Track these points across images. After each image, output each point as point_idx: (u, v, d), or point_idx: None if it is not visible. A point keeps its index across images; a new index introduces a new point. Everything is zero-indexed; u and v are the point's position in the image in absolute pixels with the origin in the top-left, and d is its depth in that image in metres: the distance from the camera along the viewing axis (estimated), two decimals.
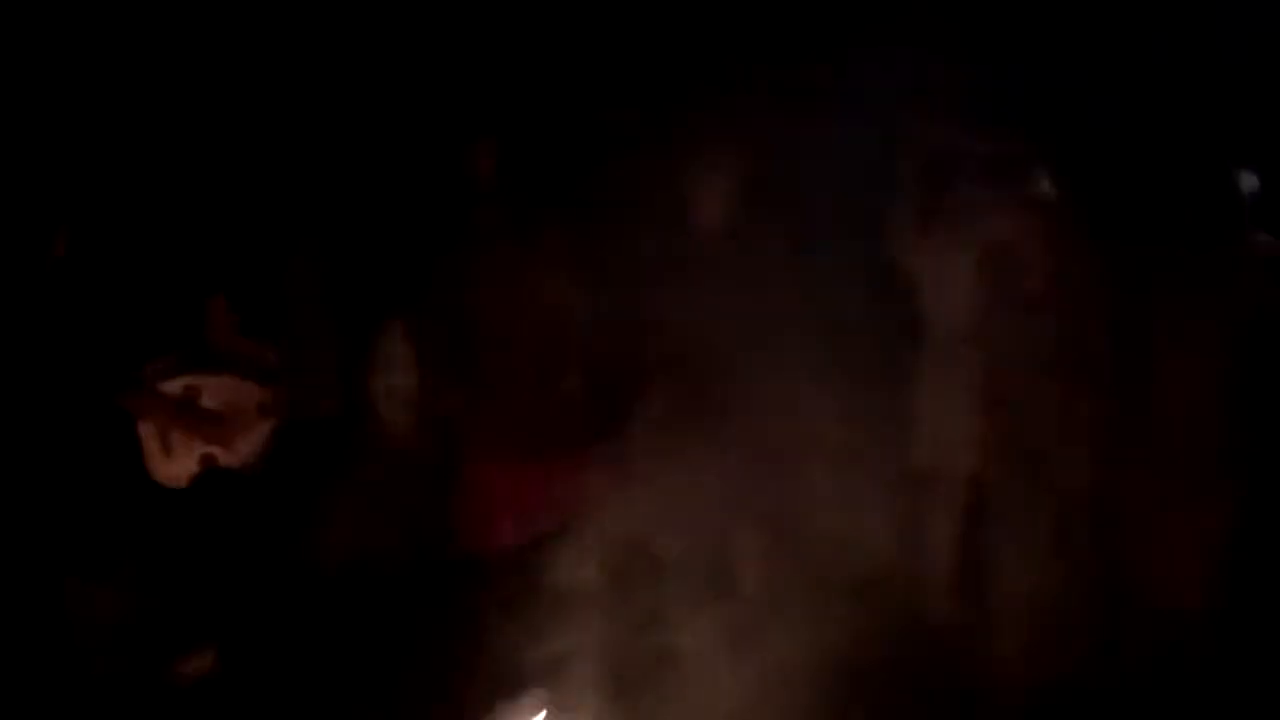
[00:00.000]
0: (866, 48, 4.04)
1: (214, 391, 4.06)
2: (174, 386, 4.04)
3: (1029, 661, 3.83)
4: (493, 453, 4.11)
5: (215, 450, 4.05)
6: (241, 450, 4.08)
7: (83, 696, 3.77)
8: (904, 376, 4.14)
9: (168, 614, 3.97)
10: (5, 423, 3.94)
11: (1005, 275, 3.94)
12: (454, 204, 4.16)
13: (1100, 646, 3.79)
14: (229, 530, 4.00)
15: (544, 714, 3.06)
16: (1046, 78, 4.01)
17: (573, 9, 4.56)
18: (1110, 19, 4.20)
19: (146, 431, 4.03)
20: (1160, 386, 3.71)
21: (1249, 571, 3.67)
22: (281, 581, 4.03)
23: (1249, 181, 3.72)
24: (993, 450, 3.98)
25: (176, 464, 4.05)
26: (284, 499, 4.05)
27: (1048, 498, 3.89)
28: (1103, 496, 3.85)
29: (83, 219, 4.09)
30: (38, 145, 4.18)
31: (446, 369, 4.13)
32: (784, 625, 3.71)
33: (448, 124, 4.28)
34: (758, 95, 4.23)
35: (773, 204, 4.06)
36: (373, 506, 4.19)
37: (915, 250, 4.08)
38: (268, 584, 4.02)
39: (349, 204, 4.24)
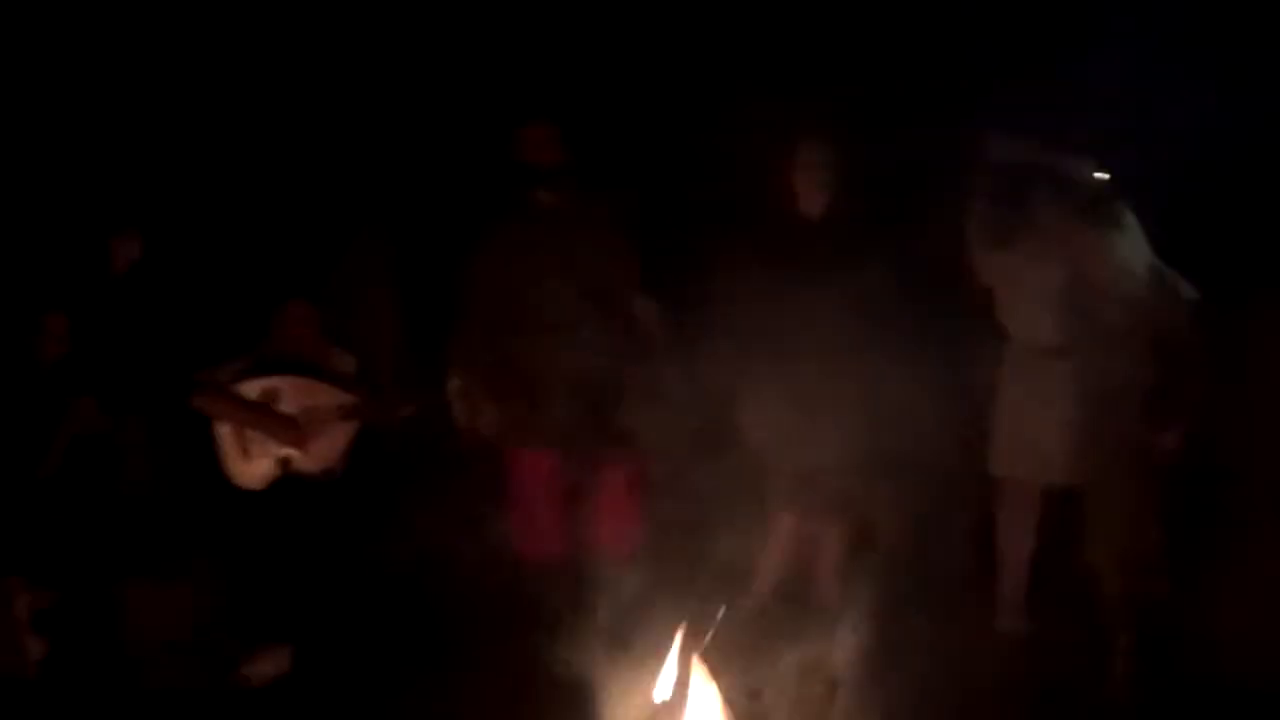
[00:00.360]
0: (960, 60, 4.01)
1: (294, 394, 4.08)
2: (253, 388, 4.06)
3: (1099, 675, 3.78)
4: (549, 455, 4.06)
5: (292, 453, 4.08)
6: (320, 454, 4.10)
7: (151, 698, 3.80)
8: (983, 384, 4.13)
9: (240, 615, 4.00)
10: (78, 423, 4.00)
11: (1082, 294, 3.88)
12: (512, 193, 4.05)
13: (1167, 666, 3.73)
14: (305, 532, 4.01)
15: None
16: (1138, 103, 3.95)
17: None
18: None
19: (224, 433, 4.06)
20: (1246, 408, 3.64)
21: None
22: (355, 584, 4.05)
23: None
24: (1071, 463, 3.94)
25: (254, 465, 4.07)
26: (361, 502, 4.08)
27: (1125, 509, 3.84)
28: (1180, 512, 3.79)
29: (160, 222, 4.14)
30: (110, 149, 4.24)
31: (500, 371, 4.03)
32: (859, 635, 3.71)
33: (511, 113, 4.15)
34: (848, 96, 4.20)
35: (859, 201, 4.03)
36: (446, 509, 4.22)
37: (993, 261, 4.06)
38: (341, 586, 4.03)
39: (421, 210, 4.26)
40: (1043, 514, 4.05)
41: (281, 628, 3.97)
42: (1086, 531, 3.88)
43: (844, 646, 3.61)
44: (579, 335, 3.97)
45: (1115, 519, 3.82)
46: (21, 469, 3.87)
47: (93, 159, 4.21)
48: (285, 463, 4.06)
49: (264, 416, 4.04)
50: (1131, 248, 3.77)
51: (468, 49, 4.54)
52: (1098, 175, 3.90)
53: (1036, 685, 3.77)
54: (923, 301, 3.95)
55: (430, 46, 4.56)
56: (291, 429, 4.05)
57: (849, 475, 3.93)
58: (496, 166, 4.03)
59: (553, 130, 4.00)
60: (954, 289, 4.15)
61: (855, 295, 3.87)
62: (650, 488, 4.10)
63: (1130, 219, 3.76)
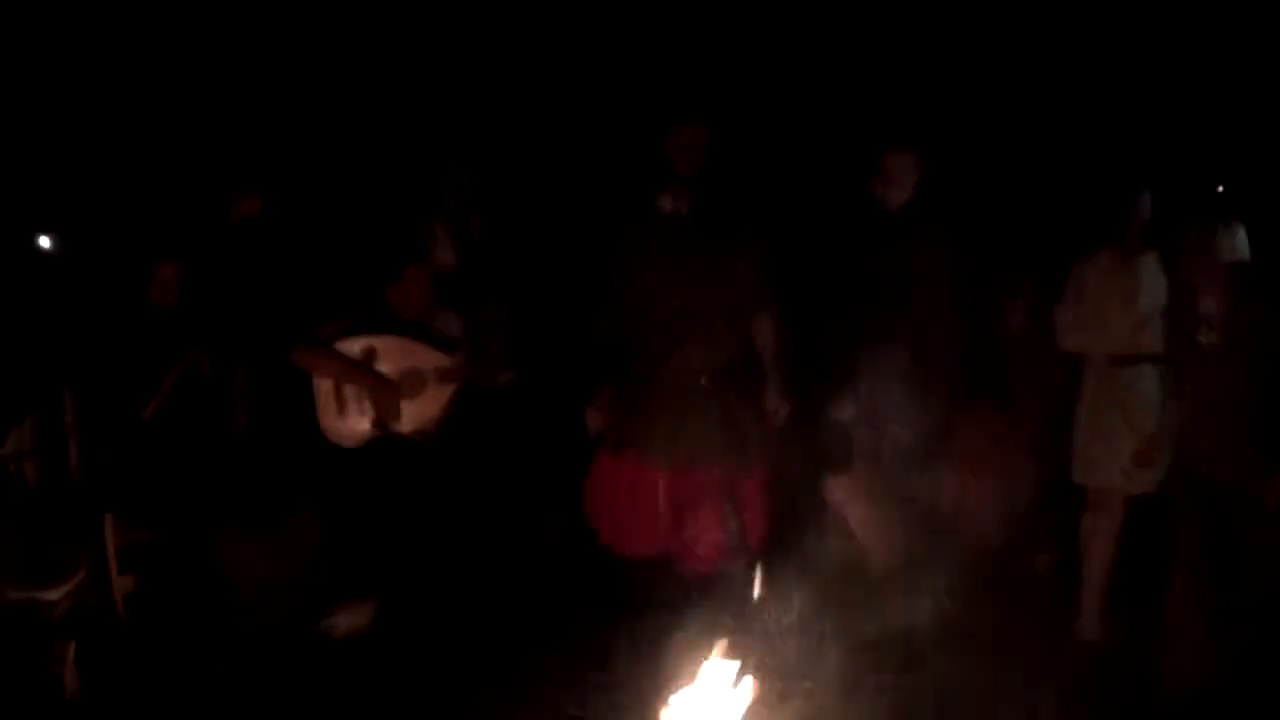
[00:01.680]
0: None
1: (393, 354, 4.10)
2: (354, 346, 4.10)
3: (1167, 682, 3.75)
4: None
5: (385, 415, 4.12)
6: (413, 416, 4.13)
7: (239, 646, 3.83)
8: (1067, 395, 4.18)
9: (329, 569, 4.03)
10: (185, 369, 4.06)
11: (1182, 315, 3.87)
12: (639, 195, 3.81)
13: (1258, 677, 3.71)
14: (395, 491, 4.05)
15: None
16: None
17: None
18: None
19: (322, 388, 4.10)
20: None
21: None
22: (442, 546, 4.08)
23: None
24: (1154, 474, 3.97)
25: (349, 423, 4.10)
26: (454, 464, 4.10)
27: (1209, 523, 3.84)
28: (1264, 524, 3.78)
29: (283, 180, 4.20)
30: (242, 108, 4.31)
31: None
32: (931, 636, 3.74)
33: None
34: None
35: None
36: (535, 481, 4.25)
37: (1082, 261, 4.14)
38: (428, 547, 4.06)
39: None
40: (1125, 523, 4.09)
41: (368, 585, 4.02)
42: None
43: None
44: (696, 349, 3.74)
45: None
46: (127, 411, 3.93)
47: (224, 117, 4.27)
48: (380, 422, 4.10)
49: (361, 375, 4.08)
50: (1235, 253, 3.65)
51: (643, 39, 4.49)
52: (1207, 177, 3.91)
53: (1107, 692, 3.77)
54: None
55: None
56: (388, 390, 4.08)
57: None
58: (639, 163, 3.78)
59: (698, 133, 3.72)
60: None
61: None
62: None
63: (1238, 226, 3.67)
